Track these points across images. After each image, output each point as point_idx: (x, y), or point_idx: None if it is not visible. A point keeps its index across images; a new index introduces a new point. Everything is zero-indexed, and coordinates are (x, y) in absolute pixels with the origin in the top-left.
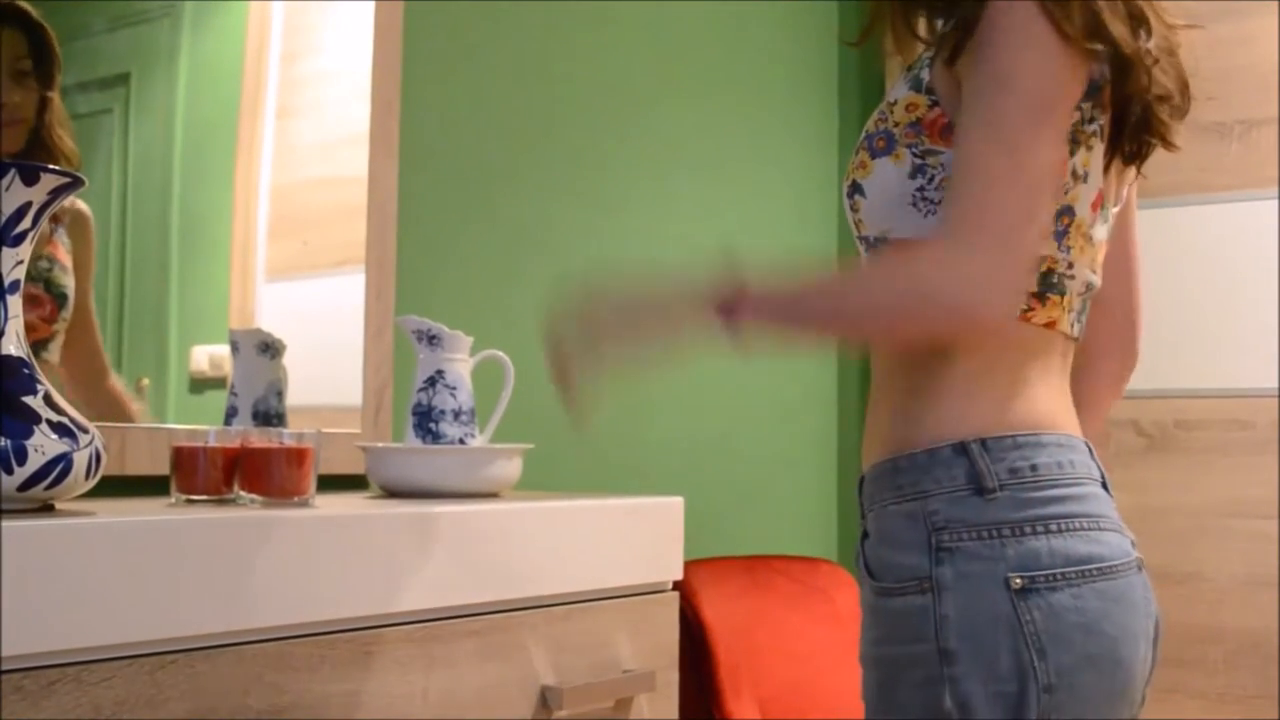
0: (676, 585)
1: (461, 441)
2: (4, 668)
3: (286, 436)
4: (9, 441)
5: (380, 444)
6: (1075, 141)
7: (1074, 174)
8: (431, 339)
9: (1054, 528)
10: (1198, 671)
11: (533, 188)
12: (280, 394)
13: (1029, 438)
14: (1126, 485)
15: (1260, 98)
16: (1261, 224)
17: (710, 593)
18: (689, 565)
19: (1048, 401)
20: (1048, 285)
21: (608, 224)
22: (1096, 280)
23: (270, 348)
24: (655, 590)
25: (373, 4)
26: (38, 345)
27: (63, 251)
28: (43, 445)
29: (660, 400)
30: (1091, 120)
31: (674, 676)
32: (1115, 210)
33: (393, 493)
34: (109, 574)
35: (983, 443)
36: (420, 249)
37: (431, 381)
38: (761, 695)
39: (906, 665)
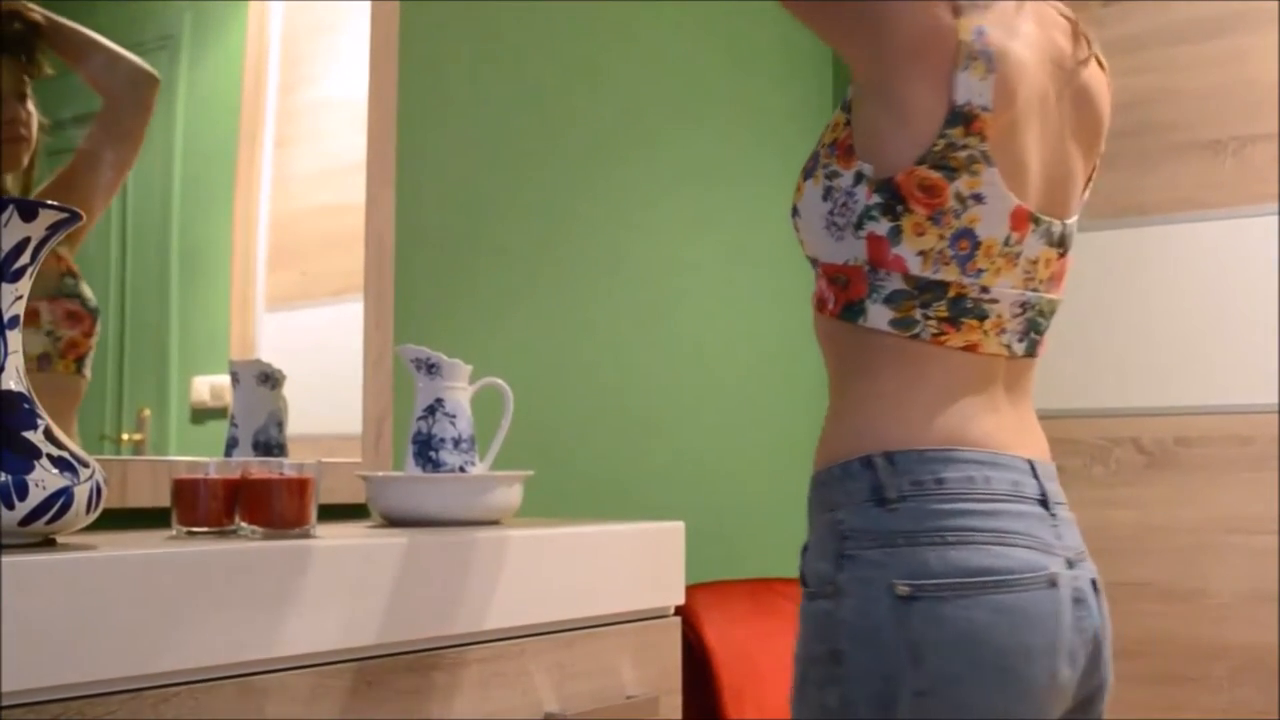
0: (679, 610)
1: (462, 469)
2: (6, 703)
3: (287, 467)
4: (10, 477)
5: (381, 473)
6: (949, 168)
7: (959, 198)
8: (430, 367)
9: (951, 539)
10: (1202, 688)
11: (530, 215)
12: (280, 424)
13: (939, 453)
14: (1127, 502)
15: (1256, 113)
16: (1259, 240)
17: (713, 616)
18: (691, 589)
19: (972, 420)
20: (959, 310)
21: (605, 250)
22: (1038, 297)
23: (270, 378)
24: (657, 615)
25: (368, 33)
26: (79, 362)
27: (70, 259)
28: (44, 480)
29: (660, 425)
30: (963, 147)
31: (677, 701)
32: (1070, 222)
33: (394, 521)
34: (111, 608)
35: (889, 456)
36: (418, 277)
37: (431, 410)
38: (765, 719)
39: (812, 665)
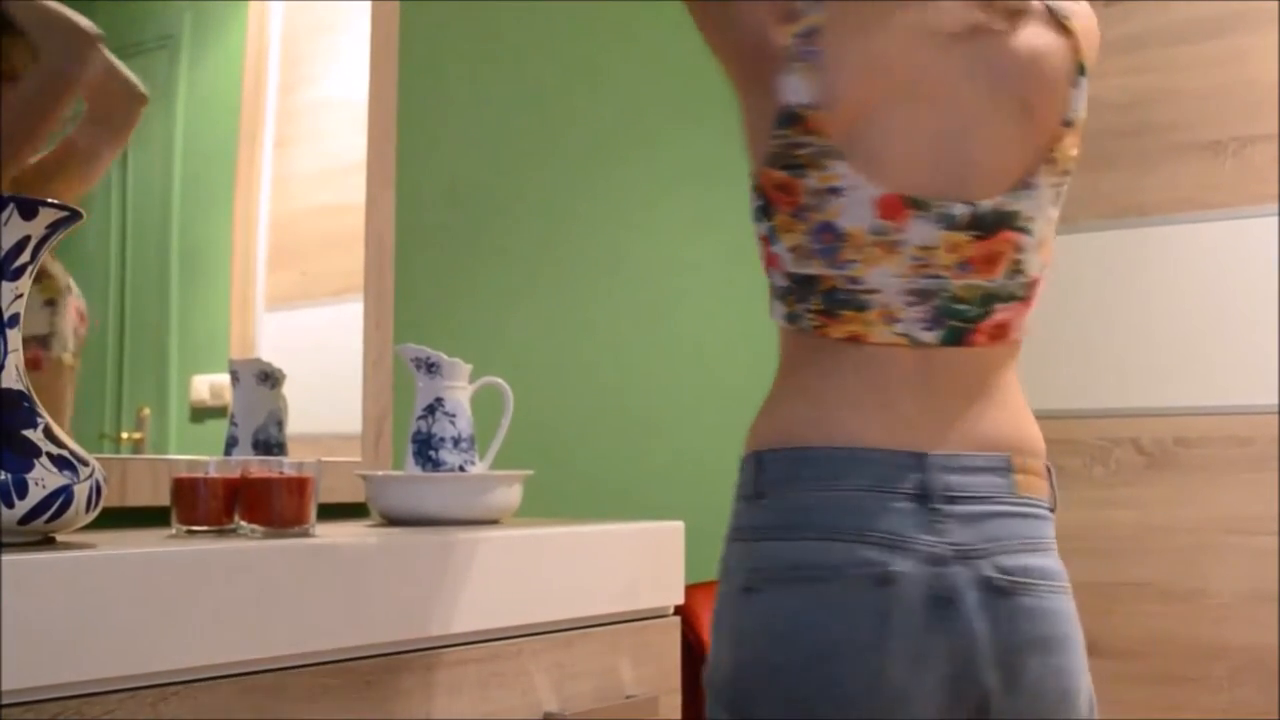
0: (678, 610)
1: (461, 469)
2: (5, 701)
3: (287, 466)
4: (9, 475)
5: (380, 472)
6: (796, 166)
7: (815, 193)
8: (430, 367)
9: (785, 535)
10: (1202, 688)
11: (530, 215)
12: (280, 423)
13: (799, 451)
14: (1127, 502)
15: (1256, 113)
16: (1259, 241)
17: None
18: (691, 589)
19: (849, 413)
20: (834, 302)
21: (605, 250)
22: (943, 283)
23: (270, 377)
24: (657, 615)
25: (368, 33)
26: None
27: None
28: (43, 478)
29: (660, 425)
30: (805, 145)
31: (677, 701)
32: (989, 202)
33: (393, 521)
34: (110, 606)
35: (761, 454)
36: (418, 277)
37: (431, 409)
38: None
39: None
